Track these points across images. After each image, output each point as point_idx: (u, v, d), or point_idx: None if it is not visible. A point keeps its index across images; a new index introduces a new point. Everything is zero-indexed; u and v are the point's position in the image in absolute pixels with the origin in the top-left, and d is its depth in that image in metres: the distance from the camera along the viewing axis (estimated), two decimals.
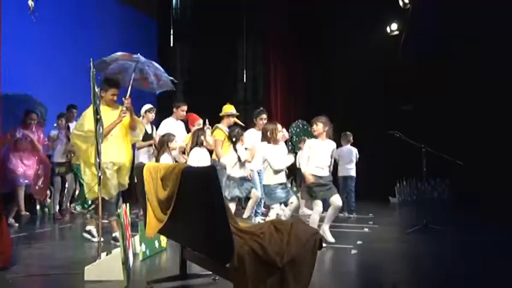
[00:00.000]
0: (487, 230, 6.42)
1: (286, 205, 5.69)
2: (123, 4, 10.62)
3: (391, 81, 10.51)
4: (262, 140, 5.65)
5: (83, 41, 8.79)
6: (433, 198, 10.71)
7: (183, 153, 6.32)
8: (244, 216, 6.21)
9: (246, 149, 6.00)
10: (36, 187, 6.62)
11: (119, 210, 4.01)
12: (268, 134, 5.40)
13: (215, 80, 11.61)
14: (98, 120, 3.88)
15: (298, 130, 10.02)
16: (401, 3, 10.26)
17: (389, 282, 3.76)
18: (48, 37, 8.15)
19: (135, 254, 4.30)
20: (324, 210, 5.28)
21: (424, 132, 7.87)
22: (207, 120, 6.45)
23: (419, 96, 10.43)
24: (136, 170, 3.50)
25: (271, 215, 5.27)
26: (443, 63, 10.29)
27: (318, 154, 5.13)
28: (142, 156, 6.50)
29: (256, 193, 5.86)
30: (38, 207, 7.34)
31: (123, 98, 4.96)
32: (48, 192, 7.16)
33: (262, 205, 6.77)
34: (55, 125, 7.49)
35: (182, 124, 6.84)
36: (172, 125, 6.59)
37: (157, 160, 5.61)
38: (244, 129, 6.68)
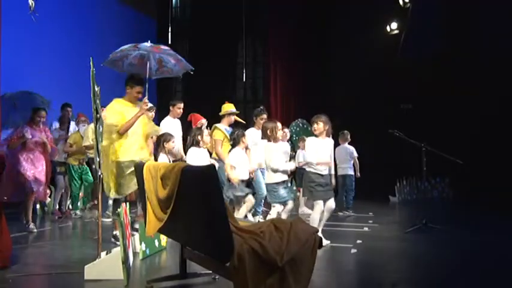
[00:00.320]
0: (487, 229, 6.43)
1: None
2: (122, 3, 10.63)
3: (391, 80, 10.51)
4: (262, 138, 5.63)
5: (82, 39, 8.80)
6: (433, 198, 10.70)
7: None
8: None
9: (246, 149, 5.93)
10: (41, 190, 6.12)
11: (118, 210, 4.00)
12: (268, 132, 5.35)
13: (215, 79, 11.62)
14: (97, 120, 3.87)
15: (298, 129, 10.04)
16: (401, 2, 10.26)
17: (389, 281, 3.76)
18: (47, 36, 8.15)
19: (135, 253, 4.30)
20: None
21: (424, 132, 7.88)
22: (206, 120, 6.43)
23: (419, 95, 10.44)
24: (136, 169, 3.51)
25: (272, 213, 5.24)
26: (443, 62, 10.29)
27: (319, 153, 5.13)
28: None
29: (252, 200, 5.69)
30: (37, 206, 7.34)
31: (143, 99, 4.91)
32: (48, 191, 7.13)
33: (262, 204, 6.75)
34: (55, 127, 7.48)
35: (179, 122, 6.80)
36: (169, 124, 6.56)
37: (155, 159, 5.59)
38: (245, 127, 6.66)
